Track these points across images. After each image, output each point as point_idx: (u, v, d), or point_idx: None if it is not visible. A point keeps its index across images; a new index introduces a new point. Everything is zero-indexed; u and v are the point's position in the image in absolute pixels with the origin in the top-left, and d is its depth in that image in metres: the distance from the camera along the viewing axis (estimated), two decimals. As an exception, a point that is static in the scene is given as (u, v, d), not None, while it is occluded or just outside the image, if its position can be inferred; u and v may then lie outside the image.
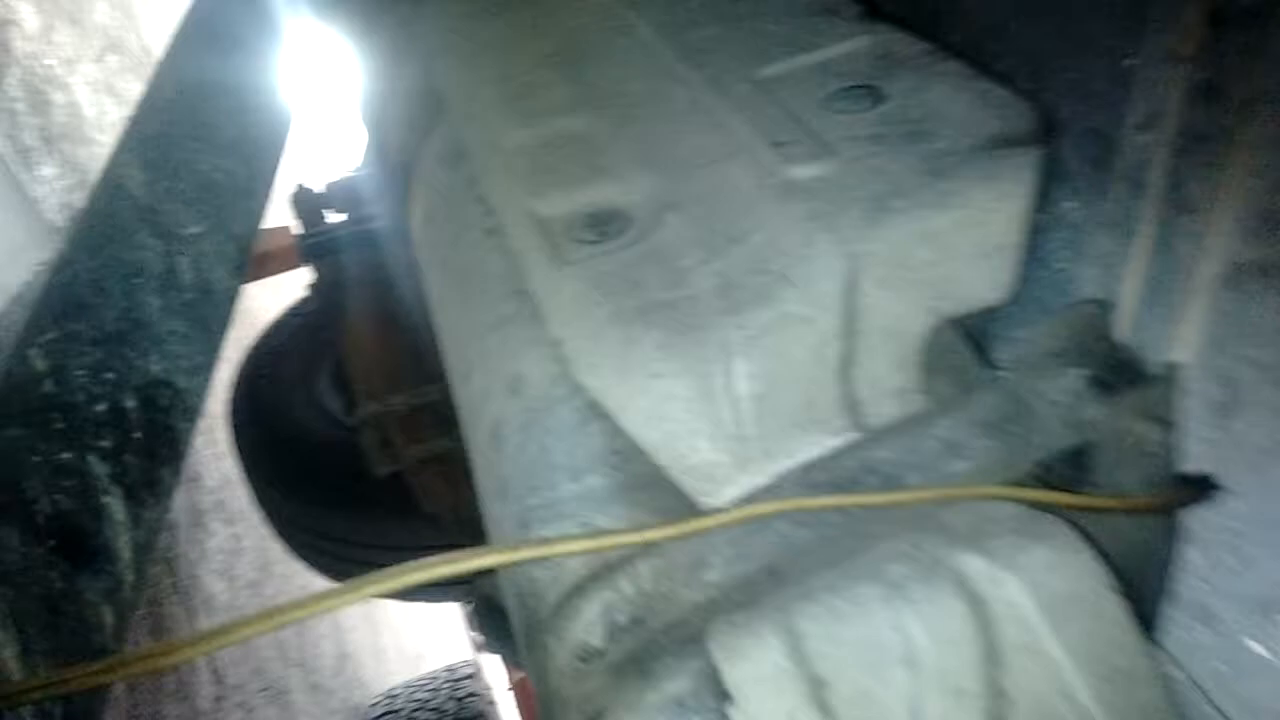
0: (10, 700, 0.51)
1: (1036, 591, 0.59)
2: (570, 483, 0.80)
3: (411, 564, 0.62)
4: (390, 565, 2.22)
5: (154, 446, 0.73)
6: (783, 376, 0.78)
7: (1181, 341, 0.73)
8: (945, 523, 0.66)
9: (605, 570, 0.75)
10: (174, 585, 2.34)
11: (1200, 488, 0.67)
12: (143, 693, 1.92)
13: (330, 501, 2.67)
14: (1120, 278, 0.75)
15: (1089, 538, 0.62)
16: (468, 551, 0.64)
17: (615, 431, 0.80)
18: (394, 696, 4.70)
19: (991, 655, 0.58)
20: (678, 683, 0.63)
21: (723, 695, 0.59)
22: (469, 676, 4.78)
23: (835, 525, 0.69)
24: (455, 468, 2.20)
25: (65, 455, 0.66)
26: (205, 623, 2.58)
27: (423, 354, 2.40)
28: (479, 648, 7.15)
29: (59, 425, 0.68)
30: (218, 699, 2.45)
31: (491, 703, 4.62)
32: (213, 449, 3.07)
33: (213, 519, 3.03)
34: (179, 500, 2.72)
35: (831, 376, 0.79)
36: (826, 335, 0.78)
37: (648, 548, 0.74)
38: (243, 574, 3.22)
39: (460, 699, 4.44)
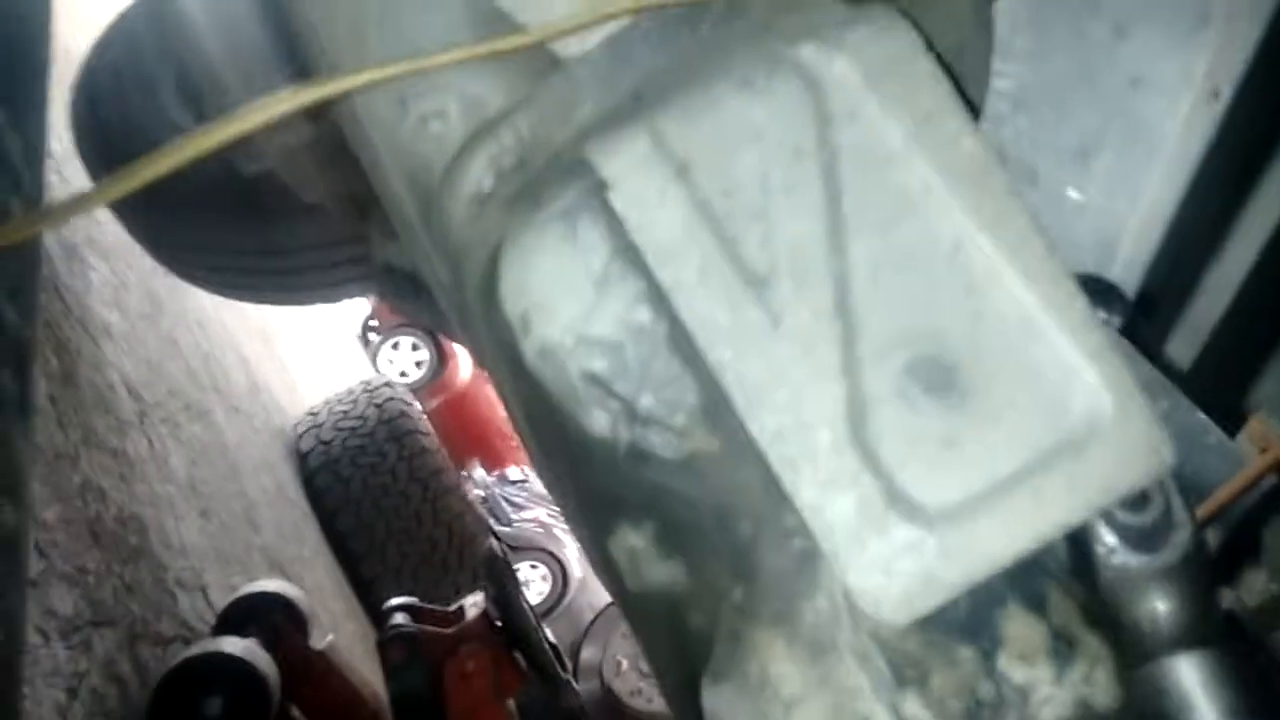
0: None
1: (860, 61, 0.67)
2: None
3: (268, 99, 0.67)
4: (284, 271, 2.24)
5: (17, 64, 0.74)
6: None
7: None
8: (783, 28, 0.73)
9: (486, 128, 0.81)
10: (66, 311, 2.33)
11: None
12: (65, 403, 1.98)
13: (203, 215, 2.61)
14: None
15: (909, 17, 0.70)
16: (318, 80, 0.68)
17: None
18: (315, 413, 4.89)
19: (823, 119, 0.67)
20: (565, 199, 0.72)
21: (602, 186, 0.68)
22: (384, 385, 4.99)
23: (689, 47, 0.76)
24: (327, 149, 2.17)
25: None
26: (109, 348, 2.60)
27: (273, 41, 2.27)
28: (379, 366, 7.37)
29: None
30: (141, 414, 2.53)
31: (409, 404, 4.86)
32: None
33: (89, 253, 2.96)
34: (48, 236, 2.62)
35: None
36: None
37: (523, 101, 0.80)
38: (135, 306, 3.20)
39: (380, 404, 4.65)
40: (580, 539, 0.97)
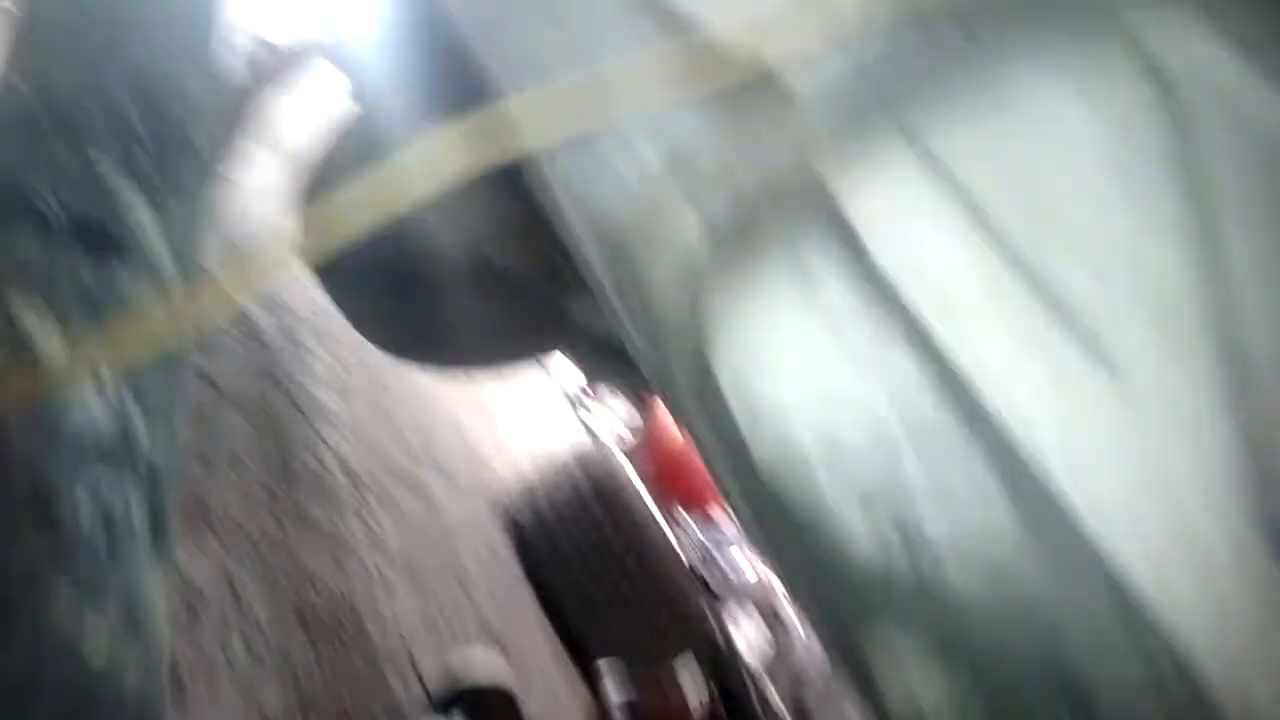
0: (64, 375, 0.46)
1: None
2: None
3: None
4: (482, 341, 2.09)
5: (159, 139, 0.66)
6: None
7: None
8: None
9: (696, 179, 0.66)
10: (286, 397, 2.39)
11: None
12: (280, 490, 1.99)
13: (403, 292, 2.63)
14: None
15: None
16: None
17: None
18: (529, 483, 4.90)
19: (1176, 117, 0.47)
20: (800, 245, 0.55)
21: (849, 226, 0.51)
22: (595, 450, 4.92)
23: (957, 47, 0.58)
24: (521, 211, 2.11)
25: (62, 151, 0.60)
26: (328, 433, 2.66)
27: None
28: (590, 430, 7.37)
29: (47, 126, 0.61)
30: (357, 494, 2.55)
31: (620, 465, 4.77)
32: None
33: (309, 339, 3.07)
34: (270, 321, 2.75)
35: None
36: None
37: (742, 141, 0.65)
38: (355, 388, 3.30)
39: (593, 473, 4.59)
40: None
